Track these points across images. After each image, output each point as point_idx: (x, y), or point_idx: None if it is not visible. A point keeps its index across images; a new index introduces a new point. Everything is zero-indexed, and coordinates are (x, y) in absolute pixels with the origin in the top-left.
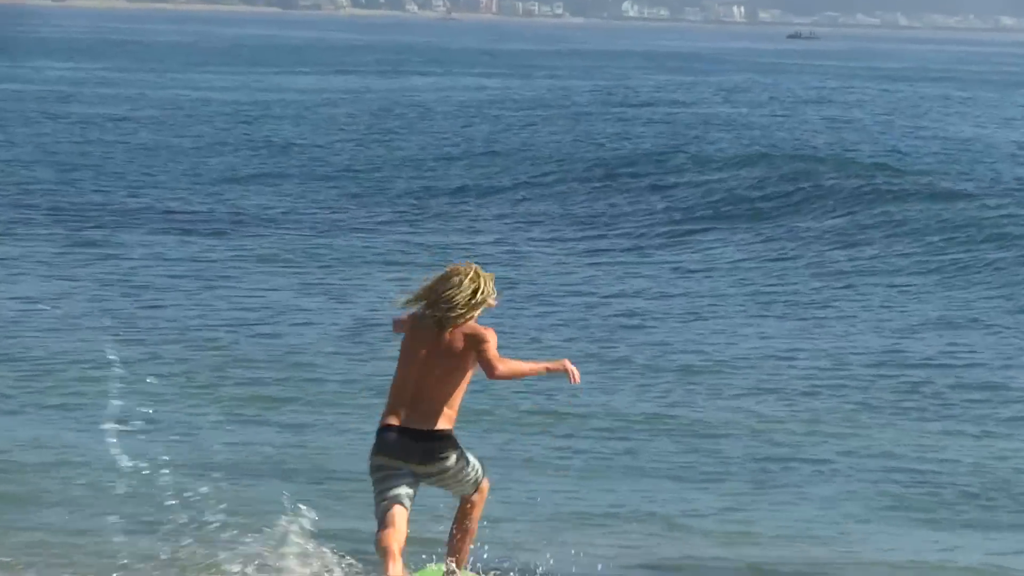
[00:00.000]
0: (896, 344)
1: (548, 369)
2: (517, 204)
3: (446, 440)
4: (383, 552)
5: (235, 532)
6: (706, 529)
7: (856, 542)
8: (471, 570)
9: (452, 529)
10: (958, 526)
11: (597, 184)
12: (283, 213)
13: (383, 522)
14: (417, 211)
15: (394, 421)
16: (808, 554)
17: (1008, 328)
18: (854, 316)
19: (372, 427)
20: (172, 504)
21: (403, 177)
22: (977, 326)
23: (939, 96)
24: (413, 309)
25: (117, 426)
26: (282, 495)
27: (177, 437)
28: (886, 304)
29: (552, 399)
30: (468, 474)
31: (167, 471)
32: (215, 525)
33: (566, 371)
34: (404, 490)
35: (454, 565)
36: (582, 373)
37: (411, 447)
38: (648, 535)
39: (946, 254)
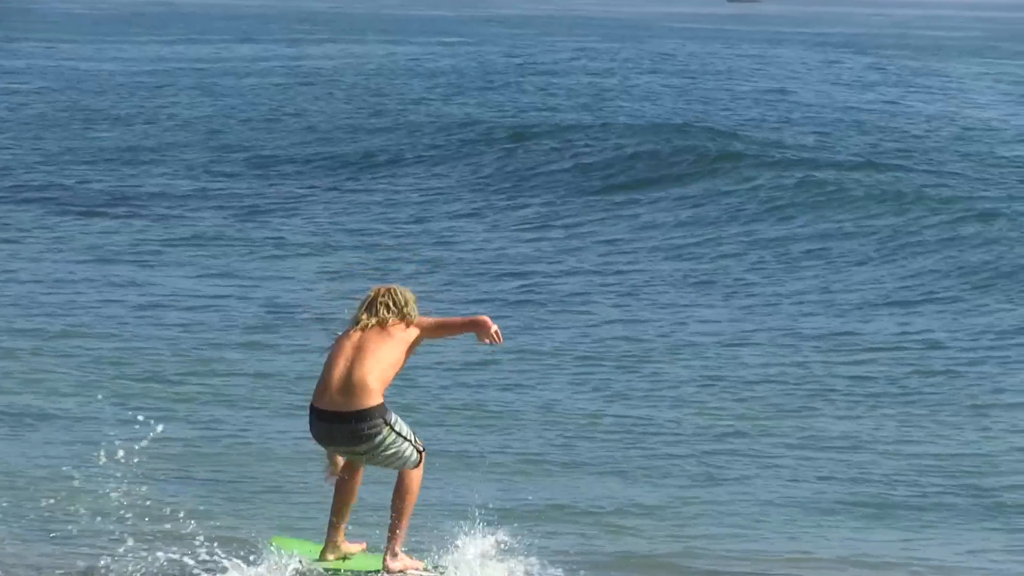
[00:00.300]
0: (846, 324)
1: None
2: (433, 177)
3: (374, 417)
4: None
5: (134, 541)
6: (645, 528)
7: (805, 541)
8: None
9: (392, 503)
10: (916, 524)
11: (517, 155)
12: (187, 192)
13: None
14: (328, 187)
15: (322, 405)
16: (754, 554)
17: (959, 300)
18: (800, 294)
19: (288, 425)
20: (64, 510)
21: (312, 149)
22: (929, 299)
23: (885, 65)
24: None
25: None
26: (189, 499)
27: (73, 435)
28: (833, 277)
29: (480, 392)
30: (404, 450)
31: (60, 472)
32: (111, 533)
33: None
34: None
35: (396, 548)
36: (514, 363)
37: (337, 433)
38: (583, 536)
39: (878, 219)
